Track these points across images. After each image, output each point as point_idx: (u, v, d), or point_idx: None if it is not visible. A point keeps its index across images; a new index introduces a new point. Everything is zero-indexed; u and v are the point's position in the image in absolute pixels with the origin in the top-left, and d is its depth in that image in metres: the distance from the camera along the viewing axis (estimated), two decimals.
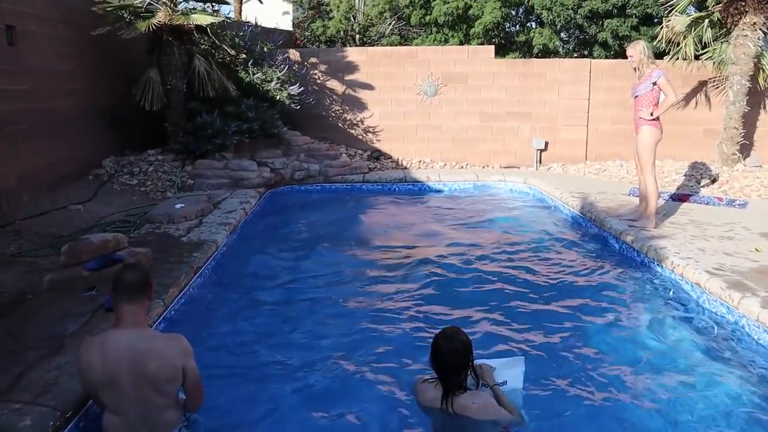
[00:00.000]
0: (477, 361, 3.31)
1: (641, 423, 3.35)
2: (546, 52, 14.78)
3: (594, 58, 14.11)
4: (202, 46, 9.83)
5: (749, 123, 10.49)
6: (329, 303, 5.04)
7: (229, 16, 13.76)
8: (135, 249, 5.20)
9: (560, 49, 15.40)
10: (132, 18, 8.71)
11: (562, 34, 15.40)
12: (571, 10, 14.31)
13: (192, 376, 2.93)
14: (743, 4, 9.66)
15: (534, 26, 15.87)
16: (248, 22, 11.75)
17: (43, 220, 6.57)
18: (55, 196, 7.41)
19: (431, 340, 3.23)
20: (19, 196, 6.95)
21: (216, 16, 9.54)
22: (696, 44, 10.40)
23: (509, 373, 3.34)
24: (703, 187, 9.11)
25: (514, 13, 16.03)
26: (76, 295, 4.43)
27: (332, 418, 3.39)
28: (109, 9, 8.50)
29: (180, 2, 9.33)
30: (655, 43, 11.20)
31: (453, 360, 3.10)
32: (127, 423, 2.86)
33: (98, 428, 3.03)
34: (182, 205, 7.04)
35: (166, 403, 2.91)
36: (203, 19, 8.92)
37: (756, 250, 5.65)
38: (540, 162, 11.42)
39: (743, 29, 9.75)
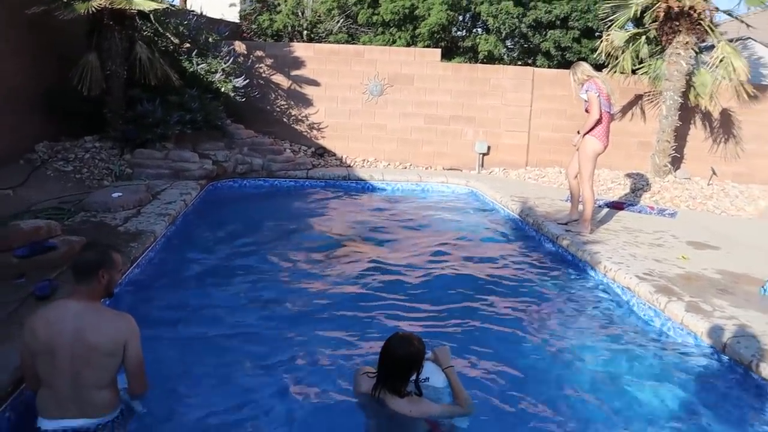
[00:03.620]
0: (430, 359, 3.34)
1: (556, 421, 3.44)
2: (491, 59, 15.06)
3: (537, 66, 14.51)
4: (145, 33, 9.53)
5: (680, 137, 10.94)
6: (266, 297, 5.02)
7: (174, 3, 13.49)
8: (69, 237, 5.03)
9: (505, 56, 15.72)
10: None
11: (507, 42, 15.72)
12: (516, 19, 14.63)
13: (133, 357, 2.91)
14: (677, 24, 10.06)
15: (480, 32, 16.17)
16: (193, 11, 11.54)
17: None
18: None
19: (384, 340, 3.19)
20: None
21: (160, 2, 9.20)
22: (633, 59, 10.79)
23: (432, 369, 3.32)
24: (636, 196, 9.43)
25: (461, 18, 16.32)
26: (5, 283, 4.29)
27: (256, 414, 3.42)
28: None
29: None
30: (594, 56, 11.65)
31: (399, 365, 3.07)
32: (58, 397, 2.82)
33: (23, 422, 2.98)
34: (120, 194, 6.92)
35: (100, 381, 2.87)
36: (146, 5, 8.67)
37: (683, 257, 5.91)
38: (482, 166, 11.60)
39: (677, 47, 10.15)
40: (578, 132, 6.78)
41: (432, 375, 3.27)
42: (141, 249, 5.49)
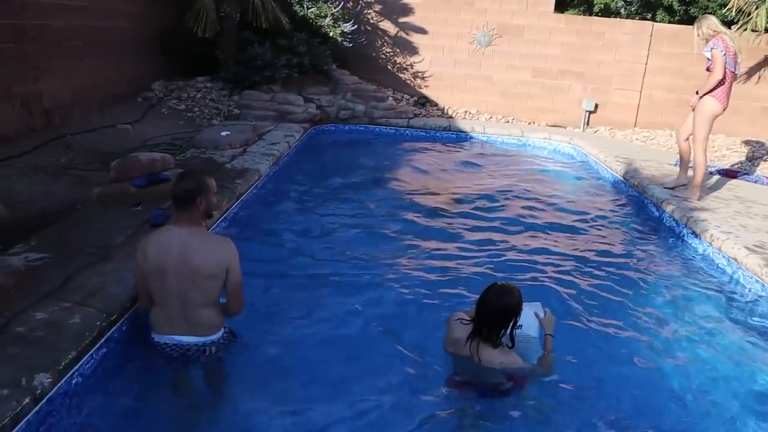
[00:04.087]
0: (536, 312, 3.32)
1: (664, 390, 3.37)
2: (607, 12, 14.30)
3: (657, 21, 13.66)
4: None
5: None
6: (359, 244, 5.10)
7: None
8: (181, 171, 5.35)
9: (622, 10, 14.90)
10: None
11: None
12: None
13: (234, 279, 3.05)
14: None
15: None
16: None
17: (93, 137, 6.68)
18: (105, 114, 7.50)
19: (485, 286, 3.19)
20: (70, 111, 7.08)
21: None
22: None
23: (528, 315, 3.29)
24: (752, 165, 8.81)
25: None
26: (123, 210, 4.58)
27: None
28: None
29: None
30: (723, 12, 10.83)
31: (497, 315, 3.06)
32: (167, 314, 3.07)
33: (137, 335, 3.25)
34: (228, 133, 7.15)
35: (205, 300, 3.05)
36: None
37: None
38: (587, 124, 11.19)
39: None
40: (696, 92, 6.40)
41: (526, 322, 3.24)
42: (246, 186, 5.71)
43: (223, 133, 7.13)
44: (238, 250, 3.11)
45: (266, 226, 5.32)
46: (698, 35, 6.35)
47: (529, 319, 3.30)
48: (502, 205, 6.54)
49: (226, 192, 5.22)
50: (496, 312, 3.06)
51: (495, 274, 4.58)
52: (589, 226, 6.07)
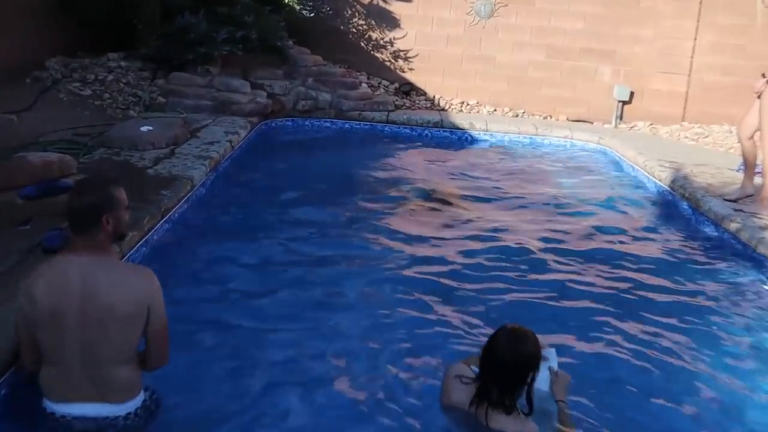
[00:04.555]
0: (549, 365, 3.28)
1: None
2: None
3: None
4: None
5: None
6: (327, 274, 5.08)
7: None
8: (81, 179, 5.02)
9: None
10: None
11: None
12: None
13: (157, 321, 2.95)
14: None
15: None
16: None
17: None
18: None
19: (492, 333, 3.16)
20: None
21: None
22: None
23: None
24: None
25: None
26: (6, 229, 4.38)
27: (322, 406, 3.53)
28: None
29: None
30: None
31: (510, 371, 3.01)
32: (67, 375, 2.87)
33: (22, 404, 3.05)
34: (150, 128, 7.09)
35: (119, 354, 2.91)
36: None
37: None
38: (621, 118, 11.19)
39: None
40: (763, 75, 6.37)
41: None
42: (174, 199, 5.59)
43: (144, 128, 7.07)
44: (161, 285, 3.01)
45: (199, 254, 5.22)
46: (764, 2, 6.35)
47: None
48: (513, 226, 6.42)
49: (147, 207, 5.11)
50: (509, 365, 3.00)
51: (506, 313, 4.47)
52: (627, 251, 5.99)
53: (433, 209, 6.83)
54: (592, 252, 5.93)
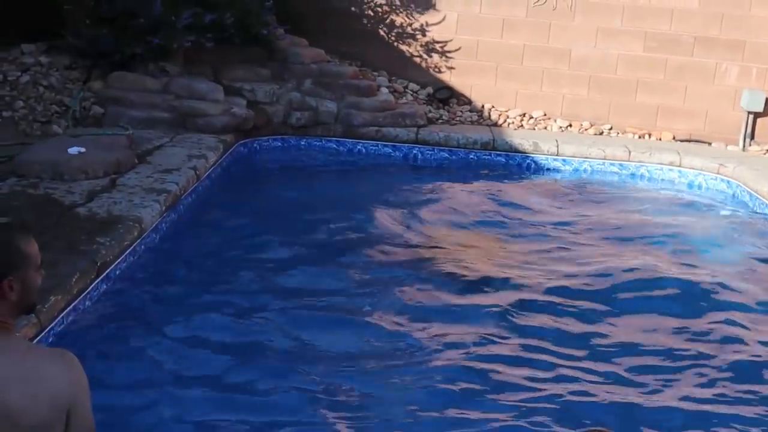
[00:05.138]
0: None
1: None
2: None
3: None
4: None
5: None
6: (324, 367, 5.12)
7: None
8: None
9: None
10: None
11: None
12: None
13: (81, 424, 2.75)
14: None
15: None
16: None
17: None
18: None
19: None
20: None
21: None
22: None
23: None
24: None
25: None
26: None
27: None
28: None
29: None
30: None
31: None
32: None
33: None
34: (82, 149, 7.02)
35: None
36: None
37: None
38: (752, 136, 10.72)
39: None
40: None
41: None
42: (116, 249, 5.50)
43: (73, 150, 6.98)
44: (87, 374, 2.74)
45: (150, 329, 5.15)
46: None
47: None
48: (597, 292, 6.39)
49: (76, 260, 5.05)
50: None
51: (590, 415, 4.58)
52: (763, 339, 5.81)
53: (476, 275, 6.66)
54: (710, 330, 5.97)
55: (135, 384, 4.58)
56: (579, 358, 5.40)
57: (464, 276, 6.64)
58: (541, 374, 5.12)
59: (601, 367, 5.30)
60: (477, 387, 5.04)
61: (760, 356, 5.75)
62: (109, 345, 4.82)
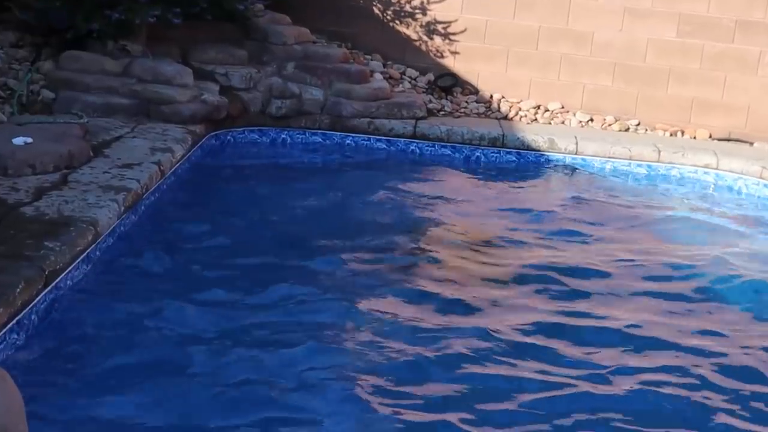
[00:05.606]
0: None
1: None
2: None
3: None
4: None
5: None
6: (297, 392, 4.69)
7: None
8: None
9: None
10: None
11: None
12: None
13: None
14: None
15: None
16: None
17: None
18: None
19: None
20: None
21: None
22: None
23: None
24: None
25: None
26: None
27: None
28: None
29: None
30: None
31: None
32: None
33: None
34: (28, 140, 6.87)
35: None
36: None
37: None
38: None
39: None
40: None
41: None
42: (66, 256, 5.25)
43: (18, 140, 6.81)
44: (24, 399, 2.72)
45: (101, 348, 4.96)
46: None
47: None
48: (627, 321, 5.97)
49: (20, 268, 4.85)
50: None
51: None
52: None
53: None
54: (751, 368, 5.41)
55: (83, 418, 4.30)
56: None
57: (456, 292, 6.53)
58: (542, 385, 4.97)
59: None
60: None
61: None
62: (56, 365, 4.71)
